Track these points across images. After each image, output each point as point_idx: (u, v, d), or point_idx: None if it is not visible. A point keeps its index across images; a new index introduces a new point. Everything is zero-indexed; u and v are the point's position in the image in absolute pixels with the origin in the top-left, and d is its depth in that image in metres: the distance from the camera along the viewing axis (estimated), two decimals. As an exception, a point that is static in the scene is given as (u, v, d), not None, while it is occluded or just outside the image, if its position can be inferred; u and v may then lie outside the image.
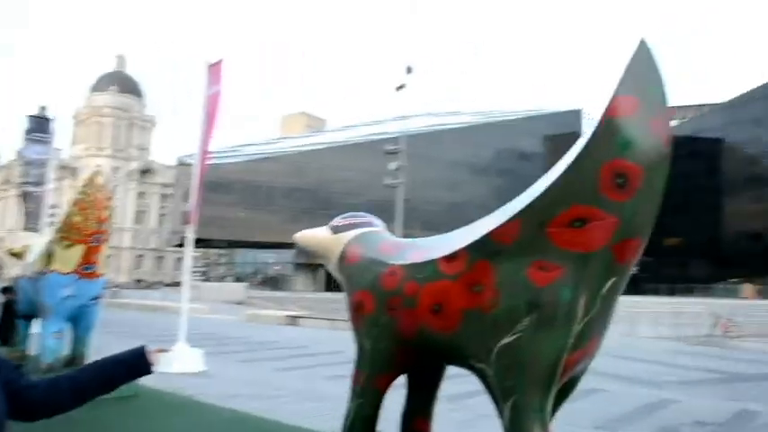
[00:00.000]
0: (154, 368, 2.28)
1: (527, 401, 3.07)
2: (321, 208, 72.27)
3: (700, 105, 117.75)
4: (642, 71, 3.09)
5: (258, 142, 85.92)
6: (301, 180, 71.49)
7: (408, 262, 3.62)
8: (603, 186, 2.97)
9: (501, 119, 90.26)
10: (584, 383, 3.58)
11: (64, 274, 7.36)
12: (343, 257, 4.12)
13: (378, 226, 4.35)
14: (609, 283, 3.10)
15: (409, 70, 21.68)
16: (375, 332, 3.70)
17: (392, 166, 21.31)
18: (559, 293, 3.04)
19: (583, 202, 3.02)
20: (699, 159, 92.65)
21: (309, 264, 72.16)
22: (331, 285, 71.27)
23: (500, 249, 3.21)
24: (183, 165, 73.39)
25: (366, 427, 3.81)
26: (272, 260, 69.83)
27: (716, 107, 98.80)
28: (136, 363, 2.27)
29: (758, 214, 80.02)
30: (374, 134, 79.82)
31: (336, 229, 4.27)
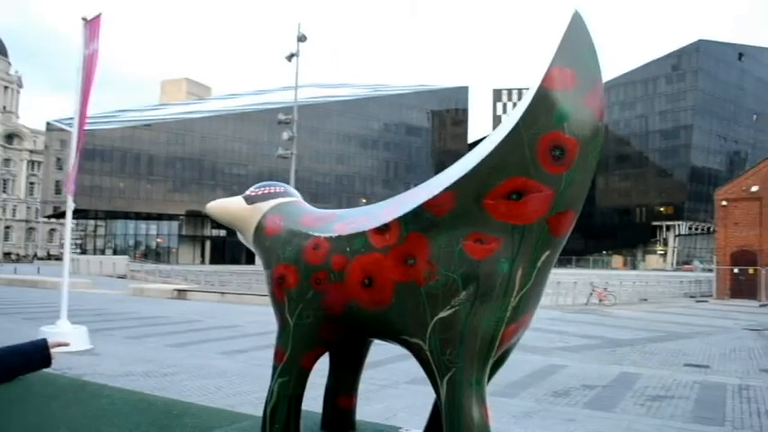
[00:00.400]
0: (53, 362, 2.29)
1: (465, 376, 3.01)
2: (206, 178, 70.13)
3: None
4: (577, 43, 3.04)
5: (138, 108, 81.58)
6: (184, 149, 68.66)
7: (335, 234, 3.44)
8: (541, 159, 2.92)
9: (390, 93, 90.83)
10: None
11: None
12: (260, 229, 3.86)
13: (294, 196, 4.12)
14: (544, 256, 3.08)
15: (302, 39, 21.10)
16: (299, 307, 3.50)
17: (284, 136, 20.76)
18: (497, 266, 2.99)
19: (520, 175, 2.95)
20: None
21: (194, 236, 70.06)
22: (218, 258, 69.89)
23: (434, 221, 3.10)
24: (54, 130, 68.48)
25: (290, 407, 3.63)
26: (154, 232, 66.98)
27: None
28: (36, 356, 2.27)
29: (626, 191, 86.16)
30: (261, 104, 78.08)
31: (251, 200, 4.00)
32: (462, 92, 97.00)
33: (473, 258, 3.03)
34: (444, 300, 3.04)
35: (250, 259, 71.92)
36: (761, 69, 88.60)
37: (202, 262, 68.34)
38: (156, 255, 63.63)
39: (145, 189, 65.02)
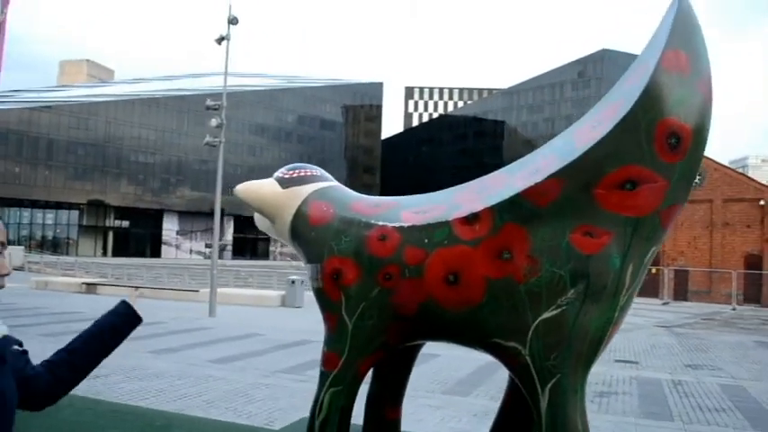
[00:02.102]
0: (140, 314, 2.13)
1: (570, 383, 2.72)
2: (110, 165, 66.45)
3: (481, 89, 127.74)
4: (689, 27, 2.83)
5: (35, 89, 76.24)
6: (87, 134, 64.70)
7: (406, 224, 3.04)
8: (658, 146, 2.68)
9: (304, 85, 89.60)
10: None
11: None
12: (301, 217, 3.39)
13: (332, 180, 3.67)
14: (651, 251, 2.83)
15: (233, 21, 20.13)
16: (361, 306, 3.07)
17: (213, 122, 19.71)
18: (609, 262, 2.71)
19: (635, 163, 2.69)
20: (484, 138, 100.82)
21: (96, 226, 66.30)
22: (121, 250, 66.42)
23: (535, 211, 2.78)
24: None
25: (343, 420, 3.19)
26: (52, 222, 62.81)
27: (498, 92, 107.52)
28: (125, 320, 2.09)
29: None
30: (170, 90, 74.93)
31: (286, 183, 3.52)
32: (376, 88, 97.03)
33: (582, 253, 2.73)
34: (549, 299, 2.72)
35: (155, 252, 68.99)
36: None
37: (104, 254, 64.70)
38: (53, 246, 59.67)
39: (43, 176, 60.71)
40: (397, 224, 3.06)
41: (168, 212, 71.94)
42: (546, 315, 2.70)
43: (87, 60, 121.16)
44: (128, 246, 67.31)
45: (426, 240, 2.93)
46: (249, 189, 3.54)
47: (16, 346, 1.75)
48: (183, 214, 72.55)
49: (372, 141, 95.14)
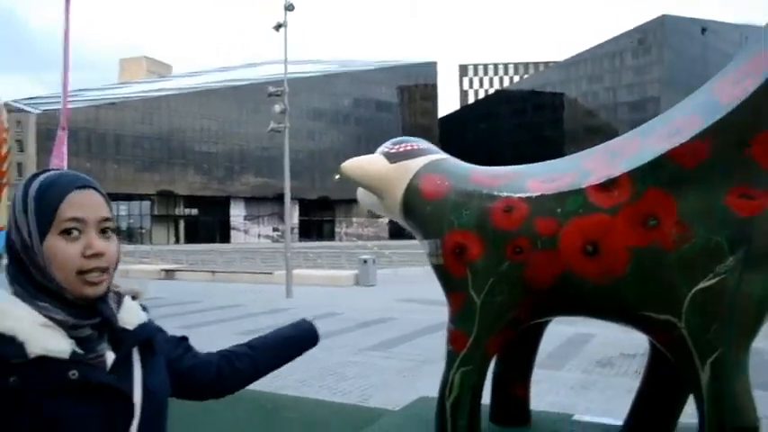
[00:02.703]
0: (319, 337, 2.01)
1: (733, 356, 2.50)
2: (176, 157, 68.26)
3: (537, 63, 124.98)
4: None
5: (98, 87, 78.81)
6: (151, 128, 66.62)
7: (534, 194, 2.86)
8: None
9: (358, 69, 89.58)
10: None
11: (-49, 227, 5.79)
12: (414, 192, 3.25)
13: (440, 152, 3.52)
14: None
15: (290, 8, 20.13)
16: (489, 282, 2.92)
17: (276, 108, 19.86)
18: (770, 225, 2.47)
19: None
20: (544, 111, 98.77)
21: (167, 215, 68.37)
22: (192, 237, 68.37)
23: (681, 174, 2.56)
24: (11, 111, 65.76)
25: (475, 400, 3.07)
26: (125, 212, 65.06)
27: (555, 65, 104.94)
28: (307, 339, 1.96)
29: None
30: (226, 80, 76.19)
31: (394, 157, 3.38)
32: (431, 67, 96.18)
33: (740, 216, 2.48)
34: (705, 267, 2.49)
35: (224, 238, 70.74)
36: (723, 44, 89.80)
37: (177, 242, 66.83)
38: (127, 236, 61.87)
39: (113, 170, 62.77)
40: (523, 194, 2.89)
41: (235, 199, 73.61)
42: (703, 285, 2.49)
43: (145, 57, 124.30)
44: (198, 233, 69.29)
45: (559, 210, 2.75)
46: (356, 166, 3.42)
47: (172, 335, 1.62)
48: (249, 200, 74.08)
49: (429, 120, 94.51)
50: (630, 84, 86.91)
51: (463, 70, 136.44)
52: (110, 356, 1.26)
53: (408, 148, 3.41)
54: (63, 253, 1.20)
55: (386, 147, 3.49)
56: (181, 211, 70.61)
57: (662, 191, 2.58)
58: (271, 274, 23.69)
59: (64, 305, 1.21)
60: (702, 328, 2.50)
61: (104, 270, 1.24)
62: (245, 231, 74.61)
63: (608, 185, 2.67)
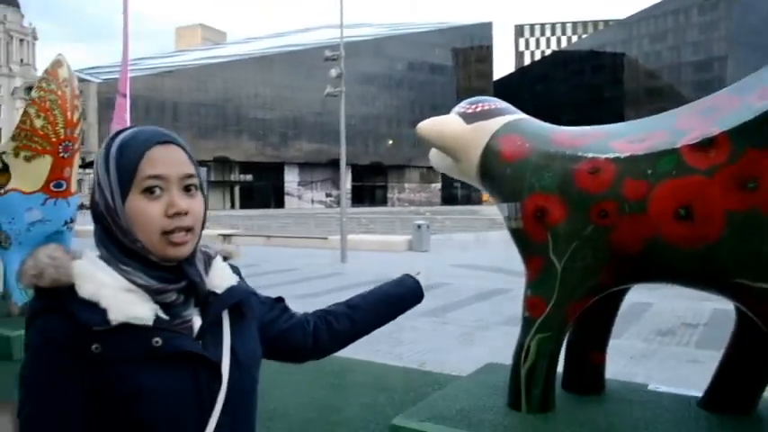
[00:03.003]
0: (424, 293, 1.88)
1: None
2: (231, 123, 69.17)
3: (596, 21, 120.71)
4: None
5: (155, 55, 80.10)
6: (207, 95, 67.47)
7: (623, 154, 2.74)
8: None
9: (411, 31, 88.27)
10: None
11: (27, 193, 5.97)
12: (492, 153, 3.16)
13: (518, 112, 3.40)
14: None
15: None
16: (572, 247, 2.83)
17: (332, 73, 19.82)
18: None
19: None
20: (603, 72, 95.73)
21: (223, 181, 69.70)
22: (247, 203, 69.64)
23: None
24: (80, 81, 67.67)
25: (551, 368, 3.01)
26: (183, 179, 66.42)
27: (615, 23, 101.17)
28: (411, 295, 1.86)
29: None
30: (281, 46, 76.30)
31: (470, 118, 3.28)
32: (486, 28, 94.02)
33: None
34: (808, 232, 2.38)
35: (279, 203, 71.72)
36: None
37: (232, 207, 68.18)
38: (186, 202, 63.36)
39: (171, 136, 64.05)
40: (611, 155, 2.77)
41: (288, 165, 74.29)
42: (804, 251, 2.36)
43: (201, 25, 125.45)
44: (253, 198, 70.41)
45: (650, 171, 2.63)
46: (431, 127, 3.34)
47: (267, 297, 1.55)
48: (303, 166, 74.68)
49: (485, 83, 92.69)
50: (695, 42, 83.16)
51: (519, 31, 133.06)
52: (197, 322, 1.21)
53: (486, 107, 3.31)
54: (145, 213, 1.13)
55: (461, 107, 3.40)
56: (236, 176, 71.71)
57: (763, 152, 2.43)
58: (325, 239, 23.91)
59: (149, 268, 1.15)
60: None
61: (189, 230, 1.17)
62: (299, 197, 75.37)
63: (704, 145, 2.53)
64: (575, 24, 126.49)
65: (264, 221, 39.19)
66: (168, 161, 1.17)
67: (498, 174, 3.14)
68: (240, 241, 25.54)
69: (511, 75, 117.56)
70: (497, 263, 18.47)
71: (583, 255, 2.81)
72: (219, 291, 1.25)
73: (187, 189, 1.18)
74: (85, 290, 1.10)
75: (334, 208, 56.44)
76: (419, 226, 22.71)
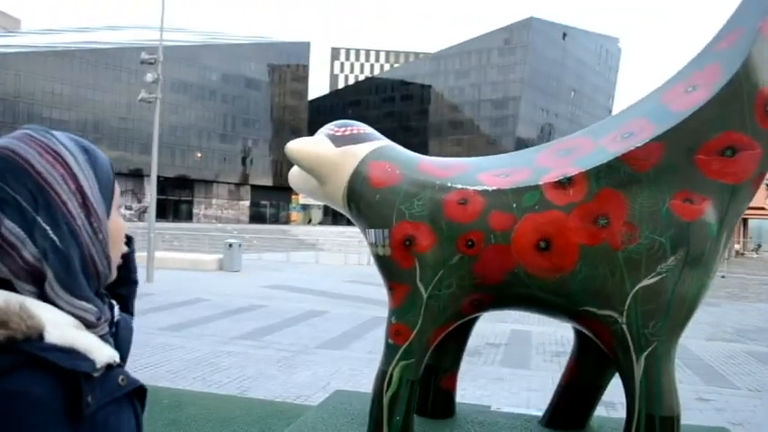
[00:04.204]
0: None
1: (665, 350, 2.69)
2: (21, 122, 62.15)
3: (407, 53, 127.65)
4: None
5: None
6: (-6, 87, 60.51)
7: (491, 188, 2.89)
8: (758, 114, 2.65)
9: (227, 42, 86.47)
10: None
11: None
12: (361, 179, 3.17)
13: (382, 138, 3.46)
14: (738, 219, 2.82)
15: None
16: (438, 275, 2.91)
17: (148, 77, 18.70)
18: (707, 229, 2.67)
19: (737, 129, 2.66)
20: (411, 102, 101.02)
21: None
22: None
23: (634, 176, 2.70)
24: None
25: (412, 396, 3.05)
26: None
27: (424, 57, 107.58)
28: None
29: (457, 155, 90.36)
30: (84, 42, 70.77)
31: (339, 141, 3.26)
32: (303, 47, 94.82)
33: (682, 220, 2.67)
34: (648, 266, 2.66)
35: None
36: (580, 50, 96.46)
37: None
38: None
39: (-57, 131, 56.38)
40: (479, 187, 2.90)
41: (84, 173, 68.51)
42: (645, 282, 2.65)
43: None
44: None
45: (515, 205, 2.80)
46: (304, 148, 3.26)
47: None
48: (102, 175, 69.38)
49: (299, 102, 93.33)
50: (495, 81, 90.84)
51: (335, 54, 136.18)
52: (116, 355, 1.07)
53: (354, 131, 3.31)
54: (122, 231, 1.07)
55: (330, 128, 3.37)
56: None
57: (615, 191, 2.69)
58: (129, 254, 22.32)
59: (98, 296, 1.01)
60: (642, 323, 2.65)
61: None
62: None
63: (564, 183, 2.75)
64: (387, 53, 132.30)
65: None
66: None
67: (366, 199, 3.15)
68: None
69: (325, 96, 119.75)
70: (310, 284, 18.57)
71: (449, 283, 2.91)
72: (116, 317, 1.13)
73: None
74: (53, 336, 0.90)
75: (134, 222, 53.01)
76: (230, 245, 22.12)
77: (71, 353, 0.90)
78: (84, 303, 0.95)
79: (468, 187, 2.92)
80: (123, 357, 1.09)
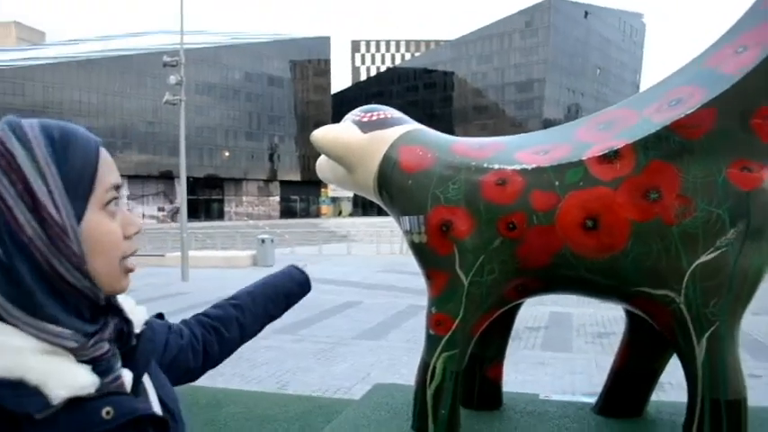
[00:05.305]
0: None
1: (730, 328, 2.51)
2: (51, 132, 63.47)
3: (428, 41, 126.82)
4: None
5: (-42, 54, 71.72)
6: (24, 99, 61.45)
7: (530, 166, 2.73)
8: None
9: (249, 41, 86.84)
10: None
11: None
12: (391, 164, 3.03)
13: (412, 121, 3.31)
14: None
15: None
16: (479, 261, 2.76)
17: (172, 80, 18.80)
18: (768, 198, 2.47)
19: None
20: (434, 90, 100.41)
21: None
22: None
23: (685, 146, 2.51)
24: None
25: (456, 388, 2.91)
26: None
27: (446, 44, 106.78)
28: (299, 289, 1.68)
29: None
30: (108, 50, 71.72)
31: (366, 127, 3.13)
32: (324, 42, 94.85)
33: (741, 189, 2.46)
34: (706, 240, 2.46)
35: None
36: (603, 27, 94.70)
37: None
38: None
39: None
40: (517, 167, 2.74)
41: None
42: (704, 258, 2.46)
43: (15, 22, 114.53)
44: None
45: (557, 183, 2.63)
46: (327, 135, 3.13)
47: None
48: (133, 178, 70.32)
49: (322, 96, 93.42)
50: (518, 64, 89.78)
51: (356, 46, 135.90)
52: (126, 374, 0.92)
53: (381, 116, 3.17)
54: (111, 233, 0.87)
55: (356, 114, 3.23)
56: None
57: (665, 163, 2.51)
58: (162, 256, 22.59)
59: (82, 317, 0.85)
60: (702, 302, 2.47)
61: (135, 253, 0.94)
62: (130, 211, 70.35)
63: (610, 157, 2.58)
64: (408, 43, 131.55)
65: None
66: (115, 166, 0.93)
67: (398, 185, 3.01)
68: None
69: (348, 89, 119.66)
70: (344, 276, 18.53)
71: (491, 268, 2.76)
72: (138, 329, 0.99)
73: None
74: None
75: (167, 223, 53.63)
76: (263, 240, 22.18)
77: (17, 387, 0.76)
78: (51, 327, 0.80)
79: (505, 167, 2.76)
80: (139, 374, 0.95)
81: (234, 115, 79.98)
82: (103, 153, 0.91)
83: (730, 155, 2.47)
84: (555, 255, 2.65)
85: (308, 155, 79.30)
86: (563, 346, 9.37)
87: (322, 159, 3.39)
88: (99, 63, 67.30)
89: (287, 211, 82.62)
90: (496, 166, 2.78)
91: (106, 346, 0.88)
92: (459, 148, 2.97)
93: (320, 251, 28.38)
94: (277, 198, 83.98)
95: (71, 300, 0.83)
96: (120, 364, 0.92)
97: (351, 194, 68.69)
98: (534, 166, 2.70)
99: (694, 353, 2.51)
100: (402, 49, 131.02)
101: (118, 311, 0.93)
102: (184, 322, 1.37)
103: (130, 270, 0.92)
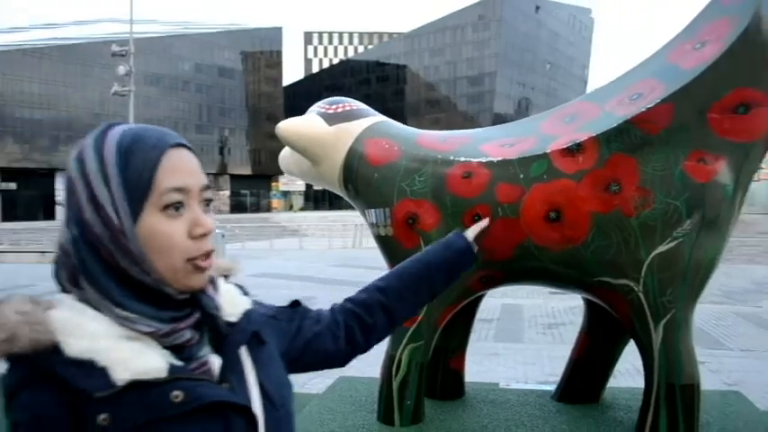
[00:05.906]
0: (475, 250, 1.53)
1: (685, 316, 2.61)
2: (-7, 123, 61.18)
3: (381, 33, 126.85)
4: None
5: None
6: (-41, 89, 59.14)
7: (495, 158, 2.77)
8: None
9: (199, 31, 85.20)
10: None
11: None
12: (357, 157, 3.04)
13: (376, 113, 3.32)
14: (754, 178, 2.72)
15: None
16: (445, 253, 2.78)
17: (121, 70, 18.34)
18: (723, 190, 2.58)
19: (749, 85, 2.55)
20: (387, 83, 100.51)
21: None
22: (10, 215, 61.92)
23: (645, 139, 2.59)
24: None
25: (421, 379, 2.95)
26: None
27: (398, 36, 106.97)
28: (461, 258, 1.47)
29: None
30: (52, 38, 69.38)
31: (332, 119, 3.12)
32: (276, 33, 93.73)
33: (697, 181, 2.57)
34: (664, 231, 2.56)
35: (49, 215, 64.87)
36: (553, 22, 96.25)
37: (-8, 219, 60.29)
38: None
39: None
40: (483, 159, 2.78)
41: (61, 171, 67.46)
42: (661, 249, 2.55)
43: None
44: (17, 209, 62.83)
45: (522, 176, 2.68)
46: (292, 127, 3.11)
47: (281, 307, 1.35)
48: (78, 172, 68.44)
49: (274, 88, 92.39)
50: (470, 58, 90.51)
51: (308, 38, 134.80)
52: (215, 361, 0.99)
53: (347, 108, 3.17)
54: (167, 235, 0.92)
55: (321, 106, 3.22)
56: (-4, 185, 63.66)
57: (626, 156, 2.59)
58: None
59: (158, 305, 0.93)
60: (659, 290, 2.56)
61: (211, 252, 0.97)
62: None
63: (573, 150, 2.64)
64: (361, 35, 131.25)
65: (33, 235, 35.16)
66: (187, 169, 0.98)
67: (364, 178, 3.02)
68: (7, 258, 22.62)
69: (300, 81, 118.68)
70: (297, 270, 18.43)
71: (456, 260, 2.79)
72: (234, 319, 1.05)
73: (206, 203, 1.00)
74: (74, 347, 0.86)
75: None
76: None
77: (86, 367, 0.85)
78: (137, 313, 0.90)
79: (471, 160, 2.80)
80: (229, 362, 1.00)
81: (183, 107, 78.45)
82: (170, 158, 0.95)
83: (688, 147, 2.56)
84: (518, 247, 2.70)
85: (259, 148, 78.49)
86: (515, 336, 9.53)
87: (286, 152, 3.37)
88: (42, 52, 65.03)
89: (237, 206, 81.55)
90: (462, 159, 2.81)
91: (188, 333, 0.95)
92: (425, 141, 2.99)
93: (271, 246, 28.16)
94: (227, 192, 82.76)
95: (140, 290, 0.92)
96: (205, 350, 0.99)
97: (302, 188, 68.27)
98: (500, 158, 2.75)
99: (651, 340, 2.60)
100: (355, 42, 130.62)
101: (197, 307, 0.98)
102: (332, 308, 1.38)
103: (202, 269, 0.95)
